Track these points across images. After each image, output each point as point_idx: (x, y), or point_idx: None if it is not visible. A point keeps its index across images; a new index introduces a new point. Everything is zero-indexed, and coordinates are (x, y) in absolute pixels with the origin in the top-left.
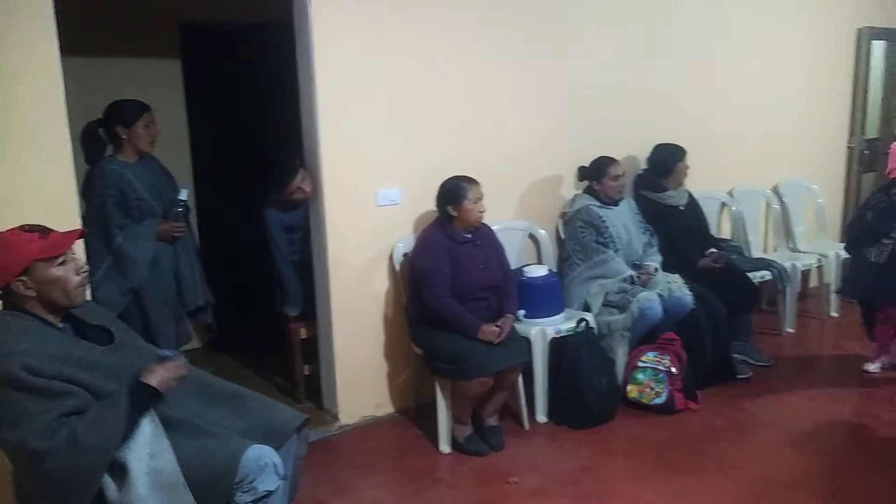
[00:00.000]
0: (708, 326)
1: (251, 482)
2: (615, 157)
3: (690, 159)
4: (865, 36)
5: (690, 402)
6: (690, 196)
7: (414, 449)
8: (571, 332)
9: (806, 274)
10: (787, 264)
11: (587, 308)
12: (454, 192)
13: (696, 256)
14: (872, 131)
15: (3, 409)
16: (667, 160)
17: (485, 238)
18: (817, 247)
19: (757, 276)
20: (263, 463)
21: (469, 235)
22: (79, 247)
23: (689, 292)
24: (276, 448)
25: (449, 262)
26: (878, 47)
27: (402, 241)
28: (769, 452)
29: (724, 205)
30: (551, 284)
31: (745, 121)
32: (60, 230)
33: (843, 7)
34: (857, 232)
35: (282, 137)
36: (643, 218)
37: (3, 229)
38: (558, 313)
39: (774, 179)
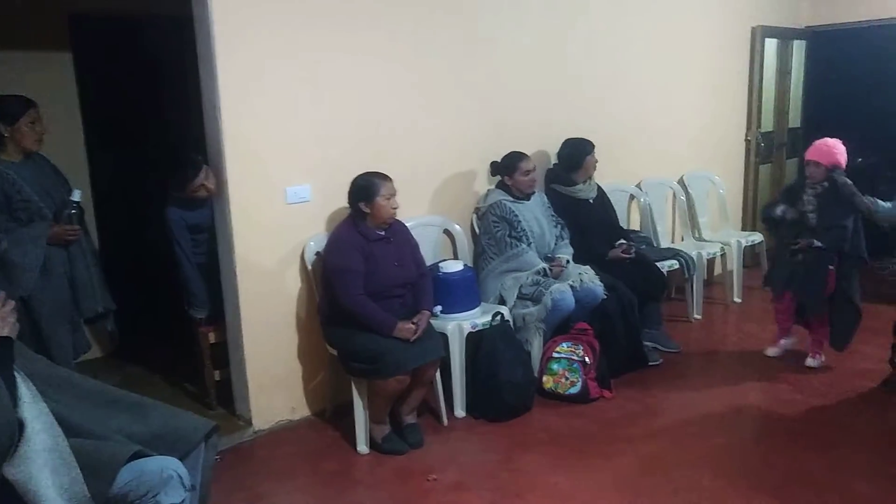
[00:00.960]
0: (619, 316)
1: (154, 496)
2: (526, 152)
3: (599, 153)
4: (759, 34)
5: (604, 390)
6: (600, 189)
7: (331, 451)
8: (487, 326)
9: (711, 262)
10: (693, 253)
11: (503, 301)
12: (366, 189)
13: (606, 248)
14: (767, 125)
15: None
16: (576, 154)
17: (398, 234)
18: (721, 235)
19: (665, 266)
20: (167, 475)
21: (382, 232)
22: None
23: (601, 283)
24: (182, 458)
25: (362, 259)
26: (771, 45)
27: (314, 239)
28: (679, 435)
29: (632, 197)
30: (467, 279)
31: (651, 116)
32: None
33: (739, 7)
34: (772, 219)
35: (187, 133)
36: (554, 211)
37: None
38: (474, 308)
39: (680, 172)
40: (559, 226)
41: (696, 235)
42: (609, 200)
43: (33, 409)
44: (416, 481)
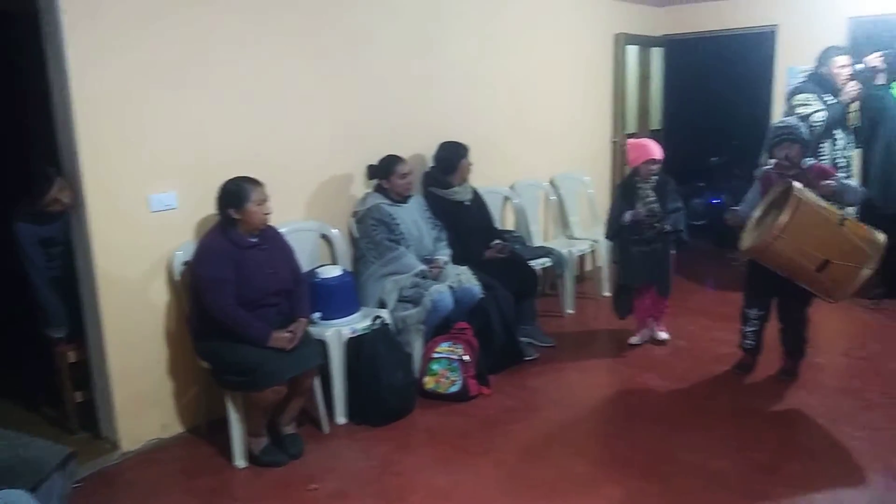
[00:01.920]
0: (496, 313)
1: None
2: (403, 155)
3: (475, 156)
4: (621, 41)
5: (483, 387)
6: (475, 191)
7: (207, 468)
8: (368, 331)
9: (582, 259)
10: (564, 251)
11: (383, 305)
12: (236, 194)
13: (482, 248)
14: (632, 127)
15: None
16: (451, 158)
17: (272, 241)
18: (590, 234)
19: (538, 264)
20: None
21: (254, 239)
22: None
23: (478, 282)
24: (33, 489)
25: (233, 268)
26: (632, 52)
27: (182, 248)
28: (554, 426)
29: (506, 198)
30: (346, 284)
31: (523, 120)
32: None
33: (602, 15)
34: (616, 224)
35: (46, 143)
36: (432, 214)
37: None
38: (354, 313)
39: (551, 173)
40: (437, 228)
41: (568, 234)
42: (484, 202)
43: None
44: (297, 492)
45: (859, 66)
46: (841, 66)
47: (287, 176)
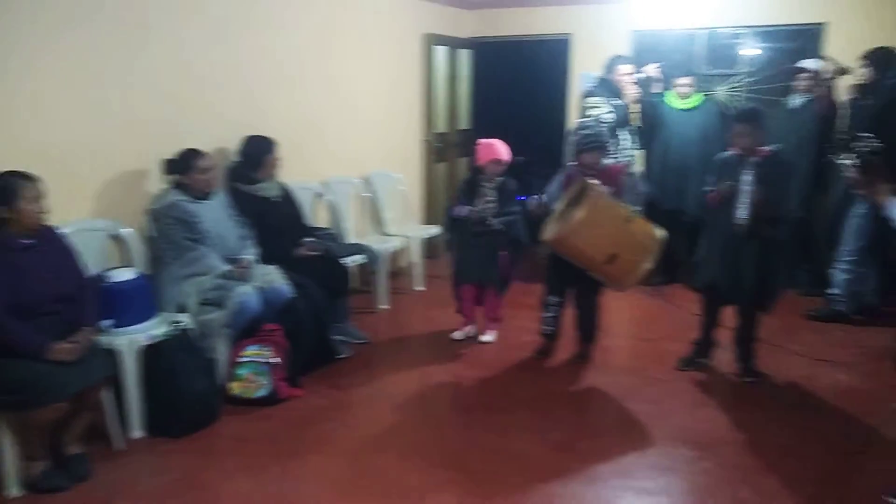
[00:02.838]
0: (308, 313)
1: None
2: (204, 149)
3: (285, 152)
4: (430, 42)
5: (295, 389)
6: (284, 187)
7: None
8: (166, 337)
9: (396, 254)
10: (378, 247)
11: (184, 309)
12: (5, 191)
13: (292, 246)
14: (441, 126)
15: None
16: (257, 152)
17: (50, 243)
18: (403, 230)
19: (352, 260)
20: None
21: (29, 241)
22: None
23: (287, 282)
24: None
25: (5, 273)
26: (441, 52)
27: None
28: (367, 423)
29: (318, 195)
30: (140, 288)
31: (335, 117)
32: None
33: (410, 14)
34: (453, 220)
35: None
36: (238, 211)
37: None
38: (151, 318)
39: (364, 170)
40: (242, 226)
41: (382, 230)
42: (295, 199)
43: None
44: None
45: (640, 75)
46: (624, 73)
47: (71, 170)
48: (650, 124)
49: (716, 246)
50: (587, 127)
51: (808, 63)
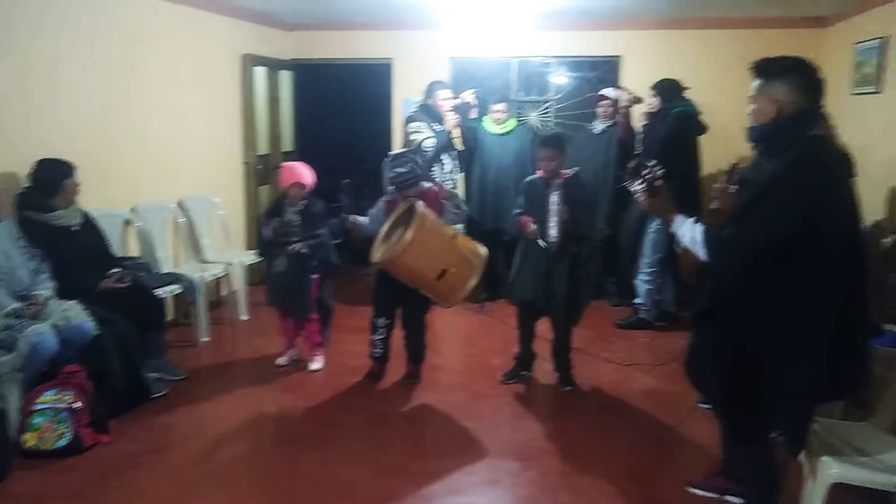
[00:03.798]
0: (115, 350)
1: None
2: None
3: (88, 175)
4: (249, 62)
5: (101, 434)
6: (86, 215)
7: None
8: None
9: (217, 282)
10: (195, 276)
11: None
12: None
13: (96, 279)
14: (263, 148)
15: None
16: (53, 177)
17: None
18: (224, 256)
19: (167, 291)
20: None
21: None
22: None
23: (90, 318)
24: None
25: None
26: (260, 73)
27: None
28: (190, 465)
29: (127, 222)
30: None
31: (145, 138)
32: None
33: (227, 34)
34: (263, 243)
35: None
36: (29, 241)
37: None
38: None
39: (179, 194)
40: (36, 258)
41: (200, 258)
42: (98, 227)
43: None
44: None
45: (457, 101)
46: (443, 99)
47: None
48: (469, 149)
49: (529, 263)
50: (400, 163)
51: (608, 91)
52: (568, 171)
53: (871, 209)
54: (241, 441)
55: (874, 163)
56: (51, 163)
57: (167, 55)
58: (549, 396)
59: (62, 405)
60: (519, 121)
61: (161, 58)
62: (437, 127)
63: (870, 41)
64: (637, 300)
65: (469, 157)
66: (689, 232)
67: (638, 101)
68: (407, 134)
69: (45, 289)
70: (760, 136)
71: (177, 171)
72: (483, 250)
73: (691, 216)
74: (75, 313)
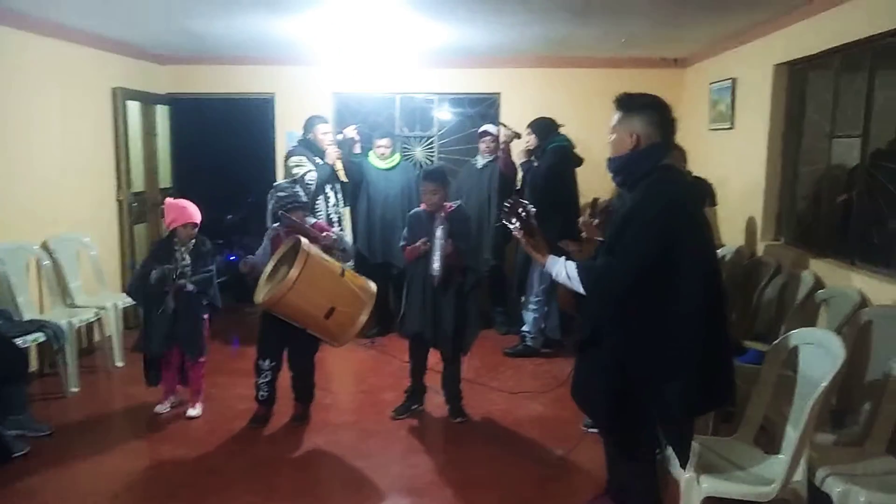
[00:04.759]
0: None
1: None
2: None
3: None
4: (120, 96)
5: None
6: None
7: None
8: None
9: (88, 328)
10: (63, 322)
11: None
12: None
13: None
14: (139, 185)
15: None
16: None
17: None
18: (97, 300)
19: (28, 340)
20: None
21: None
22: None
23: None
24: None
25: None
26: (134, 107)
27: None
28: None
29: None
30: None
31: (7, 175)
32: None
33: (96, 67)
34: (141, 287)
35: None
36: None
37: None
38: None
39: (43, 235)
40: None
41: (69, 302)
42: None
43: None
44: None
45: (339, 137)
46: (324, 133)
47: None
48: (354, 182)
49: (416, 296)
50: (283, 189)
51: (489, 127)
52: (451, 204)
53: (732, 237)
54: (111, 500)
55: (733, 193)
56: None
57: (30, 88)
58: (440, 429)
59: None
60: (404, 156)
61: (23, 90)
62: (319, 161)
63: (722, 81)
64: (524, 328)
65: (355, 192)
66: (563, 270)
67: (517, 136)
68: (288, 168)
69: None
70: (619, 167)
71: (41, 210)
72: (372, 285)
73: (575, 244)
74: None
